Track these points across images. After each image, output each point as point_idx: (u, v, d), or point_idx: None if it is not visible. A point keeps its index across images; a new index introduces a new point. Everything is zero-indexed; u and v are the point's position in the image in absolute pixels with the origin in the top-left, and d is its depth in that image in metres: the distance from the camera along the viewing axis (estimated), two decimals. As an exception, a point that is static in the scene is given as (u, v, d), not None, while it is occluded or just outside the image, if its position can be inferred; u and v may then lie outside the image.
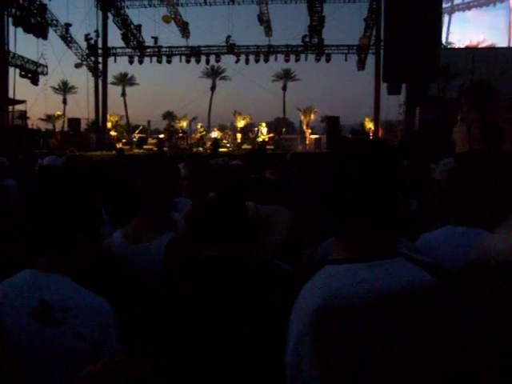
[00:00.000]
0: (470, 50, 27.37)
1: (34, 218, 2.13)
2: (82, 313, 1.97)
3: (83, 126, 37.82)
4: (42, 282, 2.03)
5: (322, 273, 1.58)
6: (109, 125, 39.42)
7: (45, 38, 30.95)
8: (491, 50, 27.90)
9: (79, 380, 0.99)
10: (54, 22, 32.15)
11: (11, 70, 28.11)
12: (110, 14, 34.06)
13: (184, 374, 2.06)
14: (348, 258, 1.56)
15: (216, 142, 27.70)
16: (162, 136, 30.42)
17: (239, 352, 2.07)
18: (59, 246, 2.11)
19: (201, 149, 28.34)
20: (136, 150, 28.05)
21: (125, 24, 33.85)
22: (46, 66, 32.01)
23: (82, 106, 57.62)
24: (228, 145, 31.34)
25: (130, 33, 34.29)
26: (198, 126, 32.73)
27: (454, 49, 27.28)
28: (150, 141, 30.23)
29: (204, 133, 31.32)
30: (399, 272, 1.53)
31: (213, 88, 75.19)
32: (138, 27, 34.58)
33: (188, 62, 34.87)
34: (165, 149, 27.58)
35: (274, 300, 2.09)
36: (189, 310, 2.14)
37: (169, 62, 35.13)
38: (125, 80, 74.84)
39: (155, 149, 27.17)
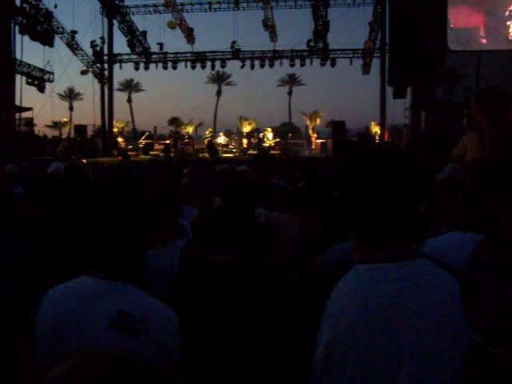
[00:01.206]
0: (476, 53, 27.27)
1: (104, 229, 2.07)
2: (160, 321, 1.96)
3: (89, 132, 37.97)
4: (114, 291, 2.00)
5: (353, 273, 1.62)
6: (115, 131, 39.52)
7: (51, 45, 31.15)
8: (497, 53, 27.81)
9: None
10: (60, 29, 32.33)
11: (18, 77, 28.33)
12: (115, 21, 34.21)
13: (198, 375, 2.09)
14: (377, 259, 1.61)
15: (209, 146, 28.24)
16: (167, 142, 30.52)
17: (250, 353, 2.09)
18: (129, 255, 2.09)
19: (206, 154, 28.39)
20: (142, 156, 28.11)
21: (130, 30, 33.98)
22: (53, 73, 32.20)
23: (88, 113, 58.04)
24: (234, 150, 31.37)
25: (136, 39, 34.41)
26: (207, 132, 32.79)
27: (460, 51, 27.16)
28: (157, 147, 30.31)
29: (210, 138, 31.35)
30: (426, 272, 1.59)
31: (218, 93, 75.40)
32: (144, 33, 34.71)
33: (193, 67, 34.94)
34: (171, 154, 27.67)
35: (283, 305, 2.10)
36: (201, 312, 2.16)
37: (174, 67, 35.22)
38: (131, 86, 75.14)
39: (161, 155, 27.23)
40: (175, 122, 68.04)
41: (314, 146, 35.83)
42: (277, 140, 31.10)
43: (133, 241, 2.09)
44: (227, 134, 37.34)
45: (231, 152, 30.43)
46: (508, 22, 26.54)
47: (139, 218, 2.15)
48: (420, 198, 1.67)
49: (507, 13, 26.27)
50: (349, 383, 1.52)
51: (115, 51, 36.04)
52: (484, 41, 26.35)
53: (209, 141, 30.41)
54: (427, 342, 1.50)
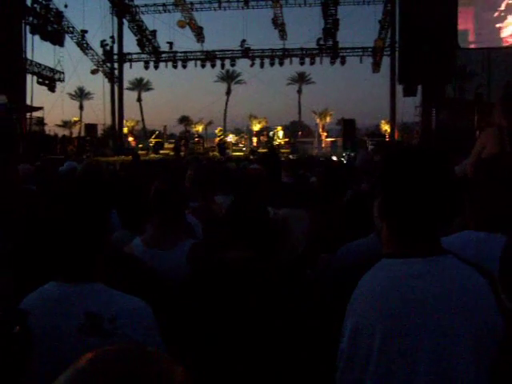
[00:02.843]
0: (486, 50, 27.06)
1: (60, 230, 2.02)
2: (129, 318, 1.94)
3: (100, 131, 38.10)
4: (81, 293, 1.96)
5: (380, 266, 1.65)
6: (125, 130, 39.60)
7: (61, 45, 31.28)
8: (508, 50, 27.56)
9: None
10: (71, 29, 32.47)
11: (29, 77, 28.43)
12: (125, 20, 34.31)
13: (208, 371, 2.11)
14: (405, 253, 1.64)
15: (221, 145, 28.31)
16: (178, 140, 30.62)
17: (260, 346, 2.12)
18: (88, 255, 2.04)
19: (217, 153, 28.43)
20: (153, 155, 28.19)
21: (140, 30, 34.06)
22: (63, 73, 32.34)
23: (98, 112, 58.01)
24: (244, 148, 31.39)
25: (146, 38, 34.49)
26: (217, 131, 32.83)
27: (470, 49, 26.94)
28: (167, 145, 30.39)
29: (222, 137, 31.36)
30: (452, 269, 1.62)
31: (228, 92, 75.29)
32: (153, 32, 34.80)
33: (203, 66, 34.99)
34: (181, 153, 27.73)
35: (293, 300, 2.12)
36: (213, 309, 2.18)
37: (184, 66, 35.28)
38: (140, 85, 75.21)
39: (172, 153, 27.30)
40: (185, 120, 68.10)
41: (323, 145, 35.76)
42: (286, 139, 31.05)
43: (91, 240, 2.04)
44: (237, 132, 37.35)
45: (241, 151, 30.46)
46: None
47: (96, 215, 2.08)
48: (456, 197, 1.71)
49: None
50: (374, 369, 1.55)
51: (125, 50, 36.18)
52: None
53: (220, 139, 30.43)
54: (449, 333, 1.54)
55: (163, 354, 0.97)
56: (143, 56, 35.87)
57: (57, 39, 30.41)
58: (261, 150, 28.57)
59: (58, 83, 31.96)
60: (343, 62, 33.84)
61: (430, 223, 1.66)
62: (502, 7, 24.92)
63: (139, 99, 74.89)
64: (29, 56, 28.15)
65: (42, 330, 1.89)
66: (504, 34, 25.30)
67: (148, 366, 0.89)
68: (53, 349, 1.88)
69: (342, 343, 1.61)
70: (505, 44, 25.40)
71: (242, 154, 28.76)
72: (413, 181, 1.64)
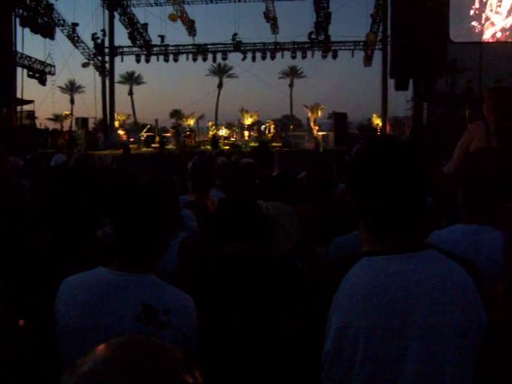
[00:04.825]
0: (478, 45, 27.08)
1: (125, 222, 2.06)
2: (182, 312, 1.99)
3: (91, 125, 37.89)
4: (137, 283, 2.00)
5: (361, 265, 1.62)
6: (116, 124, 39.40)
7: (52, 37, 31.08)
8: (499, 45, 27.62)
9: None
10: (61, 21, 32.23)
11: (19, 70, 28.27)
12: (116, 13, 34.10)
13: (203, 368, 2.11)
14: (385, 250, 1.62)
15: (214, 139, 28.30)
16: (168, 134, 30.54)
17: (254, 342, 2.13)
18: (156, 246, 2.10)
19: (209, 147, 28.36)
20: (144, 149, 28.11)
21: (131, 23, 33.88)
22: (54, 66, 32.17)
23: (89, 106, 57.60)
24: (237, 143, 31.30)
25: (137, 32, 34.32)
26: (209, 124, 32.75)
27: (462, 43, 26.95)
28: (158, 139, 30.30)
29: (215, 132, 31.25)
30: (434, 264, 1.60)
31: (220, 86, 75.20)
32: (145, 26, 34.61)
33: (195, 60, 34.87)
34: (172, 147, 27.65)
35: (285, 294, 2.12)
36: (205, 306, 2.18)
37: (175, 60, 35.14)
38: (132, 79, 75.00)
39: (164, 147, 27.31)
40: (176, 114, 67.93)
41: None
42: (273, 133, 30.81)
43: (159, 233, 2.10)
44: (229, 126, 37.28)
45: (233, 145, 30.38)
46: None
47: (164, 210, 2.14)
48: (427, 190, 1.67)
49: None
50: (360, 369, 1.54)
51: (116, 44, 35.97)
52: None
53: (213, 134, 30.35)
54: (434, 329, 1.53)
55: (179, 351, 0.96)
56: (134, 49, 35.69)
57: (47, 32, 30.21)
58: (252, 144, 28.52)
59: (48, 76, 31.84)
60: (335, 56, 33.82)
61: (408, 218, 1.63)
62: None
63: (130, 93, 74.74)
64: (19, 49, 28.03)
65: (99, 313, 1.94)
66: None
67: (165, 365, 0.88)
68: (110, 332, 1.89)
69: (327, 345, 1.58)
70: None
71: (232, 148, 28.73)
72: (384, 176, 1.60)
